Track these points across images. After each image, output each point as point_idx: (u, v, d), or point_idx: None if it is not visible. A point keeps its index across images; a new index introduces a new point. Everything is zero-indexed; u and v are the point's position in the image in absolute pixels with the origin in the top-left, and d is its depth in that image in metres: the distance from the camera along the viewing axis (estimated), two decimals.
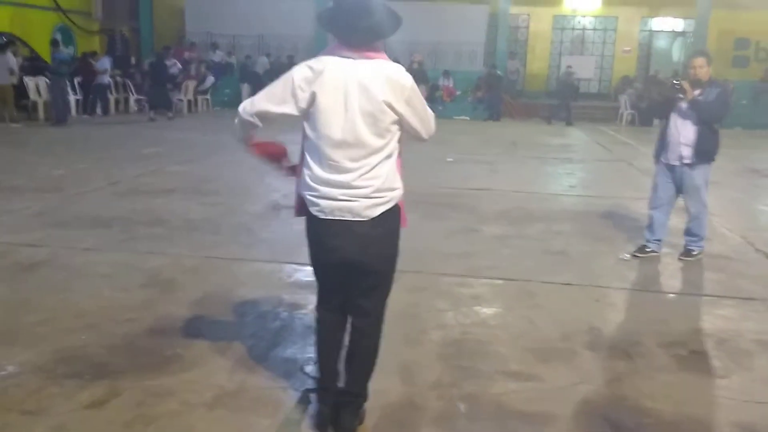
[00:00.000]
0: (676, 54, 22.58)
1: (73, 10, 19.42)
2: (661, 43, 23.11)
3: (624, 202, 7.98)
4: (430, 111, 2.69)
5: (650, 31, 23.05)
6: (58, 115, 14.26)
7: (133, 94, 17.78)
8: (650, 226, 5.68)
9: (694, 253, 5.59)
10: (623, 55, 22.98)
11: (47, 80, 14.69)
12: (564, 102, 19.11)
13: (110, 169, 8.87)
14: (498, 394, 3.17)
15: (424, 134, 2.67)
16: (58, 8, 18.68)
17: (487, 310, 4.31)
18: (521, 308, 4.37)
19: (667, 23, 22.78)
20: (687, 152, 5.34)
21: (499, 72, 19.99)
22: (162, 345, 3.54)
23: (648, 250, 5.66)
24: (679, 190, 5.55)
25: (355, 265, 2.60)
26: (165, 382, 3.12)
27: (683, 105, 5.32)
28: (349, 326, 2.78)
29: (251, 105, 2.58)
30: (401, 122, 2.55)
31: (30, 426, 2.72)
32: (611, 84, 22.94)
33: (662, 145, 5.53)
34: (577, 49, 23.35)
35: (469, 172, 9.79)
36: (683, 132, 5.33)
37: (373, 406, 2.89)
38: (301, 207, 2.65)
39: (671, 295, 4.73)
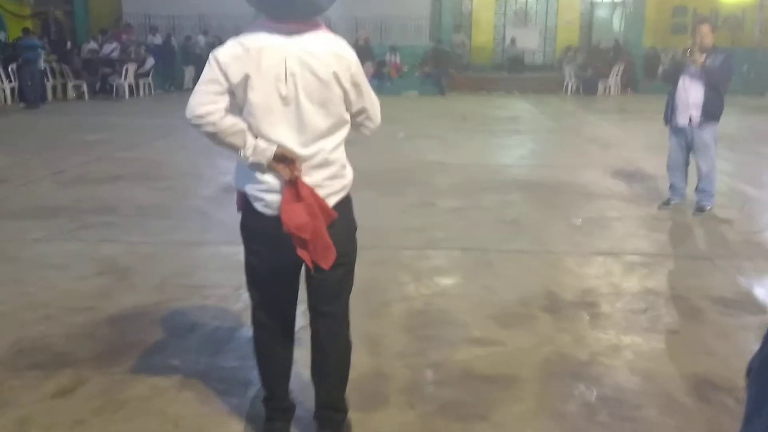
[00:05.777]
0: (617, 23, 22.99)
1: None
2: (602, 13, 23.49)
3: (573, 170, 8.15)
4: (375, 98, 2.40)
5: (591, 1, 23.39)
6: (27, 99, 14.68)
7: (71, 80, 17.18)
8: (671, 186, 6.21)
9: (708, 208, 6.00)
10: (566, 25, 23.28)
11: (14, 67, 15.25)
12: None
13: (53, 158, 8.60)
14: (463, 360, 3.24)
15: (370, 123, 2.39)
16: None
17: (447, 281, 4.39)
18: (480, 277, 4.46)
19: None
20: (696, 113, 5.80)
21: (445, 47, 20.02)
22: (124, 332, 3.50)
23: (673, 202, 6.21)
24: (690, 149, 5.98)
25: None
26: (131, 368, 3.09)
27: (693, 69, 5.73)
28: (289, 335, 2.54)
29: (189, 110, 2.17)
30: (346, 104, 2.28)
31: None
32: (555, 55, 23.23)
33: (672, 108, 5.95)
34: (521, 21, 23.55)
35: (421, 147, 9.83)
36: (692, 95, 5.79)
37: None
38: (244, 201, 2.34)
39: (623, 256, 4.88)
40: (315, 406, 2.53)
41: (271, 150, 2.20)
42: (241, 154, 2.22)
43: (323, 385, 2.49)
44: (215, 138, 2.21)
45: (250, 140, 2.21)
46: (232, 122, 2.19)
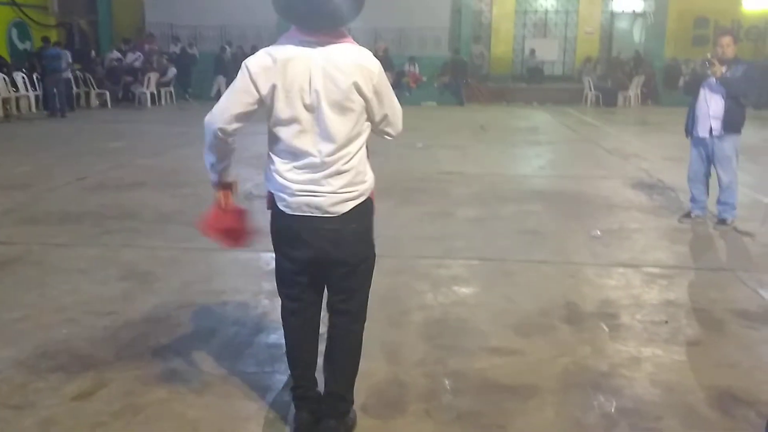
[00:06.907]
0: (637, 35, 22.88)
1: (28, 5, 18.91)
2: (622, 24, 23.40)
3: (592, 181, 8.12)
4: (398, 105, 2.49)
5: (611, 12, 23.31)
6: (50, 107, 14.85)
7: (94, 89, 17.44)
8: (692, 198, 6.16)
9: (729, 221, 5.93)
10: (586, 36, 23.21)
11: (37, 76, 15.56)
12: None
13: (76, 165, 8.72)
14: (482, 369, 3.24)
15: (391, 129, 2.49)
16: (13, 3, 18.18)
17: (465, 290, 4.38)
18: (499, 286, 4.45)
19: (627, 4, 23.05)
20: (716, 125, 5.75)
21: (463, 57, 20.06)
22: (145, 336, 3.54)
23: (693, 215, 6.13)
24: (711, 161, 5.93)
25: (328, 263, 2.45)
26: (151, 372, 3.12)
27: (713, 80, 5.68)
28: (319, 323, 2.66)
29: (212, 117, 2.33)
30: (368, 112, 2.38)
31: (19, 420, 2.70)
32: (575, 66, 23.17)
33: (692, 119, 5.91)
34: (540, 32, 23.53)
35: (440, 157, 9.84)
36: (712, 106, 5.75)
37: (360, 386, 2.92)
38: (271, 200, 2.49)
39: (644, 268, 4.84)
40: (323, 394, 2.64)
41: (215, 179, 2.54)
42: (208, 165, 2.49)
43: (333, 374, 2.61)
44: (213, 149, 2.43)
45: (227, 162, 2.50)
46: (233, 149, 2.45)
